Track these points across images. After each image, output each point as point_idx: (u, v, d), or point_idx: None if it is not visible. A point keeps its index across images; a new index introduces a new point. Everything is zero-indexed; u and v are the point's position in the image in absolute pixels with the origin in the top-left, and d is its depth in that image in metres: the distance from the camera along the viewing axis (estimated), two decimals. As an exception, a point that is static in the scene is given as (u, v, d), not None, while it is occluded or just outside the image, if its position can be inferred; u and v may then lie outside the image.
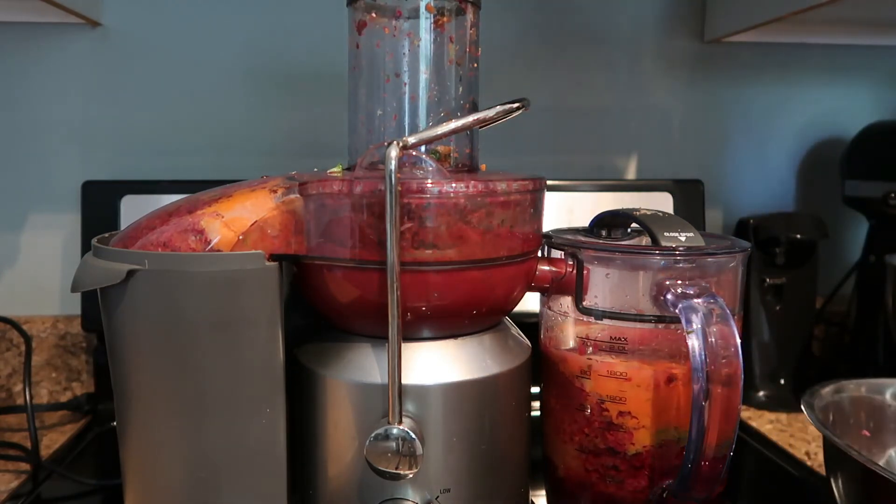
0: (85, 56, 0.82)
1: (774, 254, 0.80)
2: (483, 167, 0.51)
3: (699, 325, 0.42)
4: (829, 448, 0.49)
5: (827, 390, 0.55)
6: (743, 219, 0.83)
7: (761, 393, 0.82)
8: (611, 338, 0.47)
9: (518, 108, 0.43)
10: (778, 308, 0.82)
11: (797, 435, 0.75)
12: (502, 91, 0.85)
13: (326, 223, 0.41)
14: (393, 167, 0.38)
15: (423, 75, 0.46)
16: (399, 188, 0.39)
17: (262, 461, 0.42)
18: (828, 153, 0.93)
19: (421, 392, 0.42)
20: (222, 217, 0.41)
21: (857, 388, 0.57)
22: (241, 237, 0.41)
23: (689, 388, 0.43)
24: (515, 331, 0.50)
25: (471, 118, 0.42)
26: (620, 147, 0.91)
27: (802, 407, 0.51)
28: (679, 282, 0.45)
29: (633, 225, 0.52)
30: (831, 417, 0.54)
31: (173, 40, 0.83)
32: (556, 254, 0.49)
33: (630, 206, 0.53)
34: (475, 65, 0.49)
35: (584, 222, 0.54)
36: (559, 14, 0.87)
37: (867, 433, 0.56)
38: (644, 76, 0.90)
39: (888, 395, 0.57)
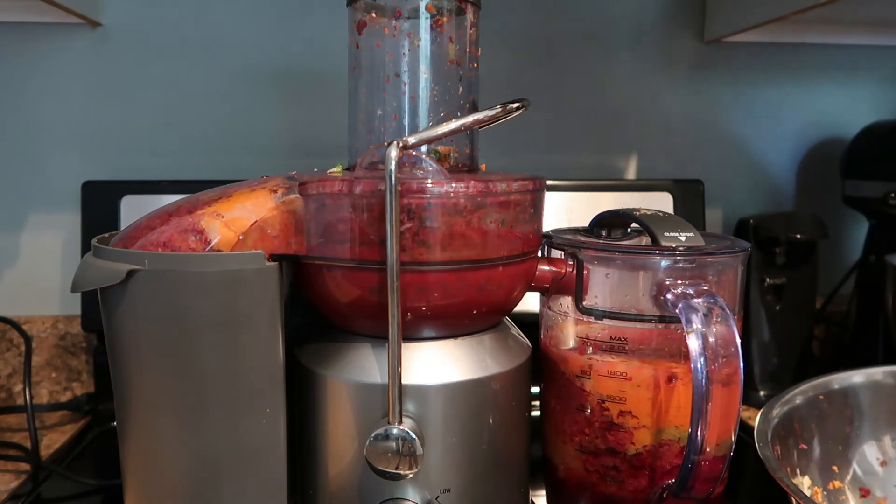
0: (85, 56, 0.82)
1: (774, 254, 0.80)
2: (483, 167, 0.51)
3: (699, 325, 0.42)
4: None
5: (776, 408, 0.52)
6: (743, 219, 0.83)
7: (761, 393, 0.82)
8: (611, 337, 0.47)
9: (518, 108, 0.43)
10: (778, 308, 0.82)
11: (797, 435, 0.75)
12: (502, 91, 0.85)
13: (326, 223, 0.41)
14: (393, 167, 0.38)
15: (423, 75, 0.46)
16: (399, 188, 0.39)
17: (262, 461, 0.42)
18: (828, 153, 0.93)
19: (421, 392, 0.42)
20: (222, 217, 0.41)
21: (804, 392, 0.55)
22: (241, 237, 0.41)
23: (689, 387, 0.43)
24: (515, 331, 0.50)
25: (471, 118, 0.42)
26: (620, 147, 0.91)
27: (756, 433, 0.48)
28: (679, 282, 0.45)
29: (633, 225, 0.52)
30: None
31: (173, 40, 0.83)
32: (556, 254, 0.49)
33: (630, 206, 0.53)
34: (475, 65, 0.49)
35: (584, 222, 0.54)
36: (559, 13, 0.87)
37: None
38: (644, 76, 0.90)
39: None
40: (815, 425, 0.54)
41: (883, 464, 0.55)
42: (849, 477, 0.54)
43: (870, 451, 0.56)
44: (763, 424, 0.48)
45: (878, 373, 0.57)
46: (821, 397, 0.55)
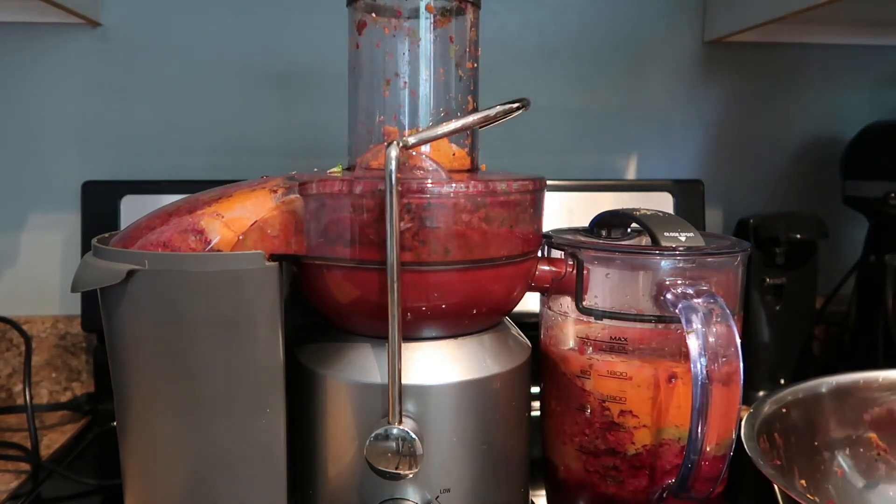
0: (85, 56, 0.82)
1: (774, 254, 0.80)
2: (483, 167, 0.51)
3: (699, 325, 0.42)
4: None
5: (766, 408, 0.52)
6: (743, 219, 0.83)
7: (761, 393, 0.82)
8: (611, 337, 0.47)
9: (518, 108, 0.43)
10: (778, 308, 0.82)
11: (797, 435, 0.75)
12: (502, 91, 0.85)
13: (326, 223, 0.41)
14: (393, 167, 0.38)
15: (423, 75, 0.46)
16: (399, 188, 0.39)
17: (262, 461, 0.42)
18: (828, 153, 0.93)
19: (421, 392, 0.42)
20: (222, 217, 0.41)
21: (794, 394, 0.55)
22: (241, 237, 0.41)
23: (689, 387, 0.43)
24: (515, 331, 0.50)
25: (471, 118, 0.42)
26: (620, 147, 0.91)
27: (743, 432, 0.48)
28: (679, 282, 0.45)
29: (633, 225, 0.52)
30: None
31: (173, 40, 0.83)
32: (556, 254, 0.49)
33: (630, 206, 0.53)
34: (475, 65, 0.49)
35: (584, 222, 0.54)
36: (558, 14, 0.87)
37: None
38: (644, 76, 0.89)
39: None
40: (810, 431, 0.55)
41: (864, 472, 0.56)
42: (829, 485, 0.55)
43: (847, 460, 0.56)
44: (748, 429, 0.49)
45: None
46: (785, 409, 0.55)
